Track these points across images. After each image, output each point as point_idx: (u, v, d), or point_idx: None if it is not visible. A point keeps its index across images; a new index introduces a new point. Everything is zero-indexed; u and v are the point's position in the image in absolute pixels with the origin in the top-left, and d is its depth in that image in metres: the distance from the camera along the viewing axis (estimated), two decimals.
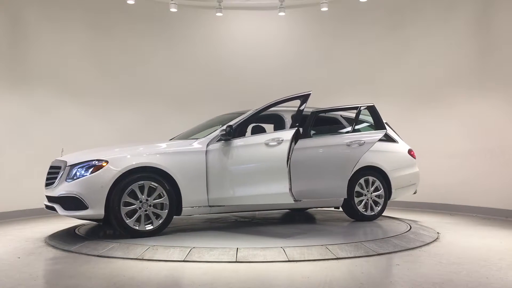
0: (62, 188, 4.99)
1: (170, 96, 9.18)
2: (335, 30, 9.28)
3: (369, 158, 6.34)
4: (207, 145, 5.37)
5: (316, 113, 6.05)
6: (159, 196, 5.11)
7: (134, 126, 8.84)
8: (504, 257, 4.43)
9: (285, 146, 4.98)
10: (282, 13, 9.12)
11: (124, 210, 4.93)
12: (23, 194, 7.43)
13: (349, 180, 5.95)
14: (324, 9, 8.86)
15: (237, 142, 5.30)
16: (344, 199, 6.04)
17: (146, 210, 5.04)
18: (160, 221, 5.10)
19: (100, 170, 4.89)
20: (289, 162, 5.16)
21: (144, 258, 4.28)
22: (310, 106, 6.25)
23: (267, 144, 5.09)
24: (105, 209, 4.88)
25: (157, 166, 5.08)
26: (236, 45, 9.56)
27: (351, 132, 6.08)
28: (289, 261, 4.18)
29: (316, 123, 6.54)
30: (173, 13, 9.01)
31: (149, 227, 5.05)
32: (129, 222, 4.94)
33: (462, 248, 4.85)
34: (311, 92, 5.36)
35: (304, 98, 5.34)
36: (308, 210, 7.61)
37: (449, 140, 7.97)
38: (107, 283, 3.58)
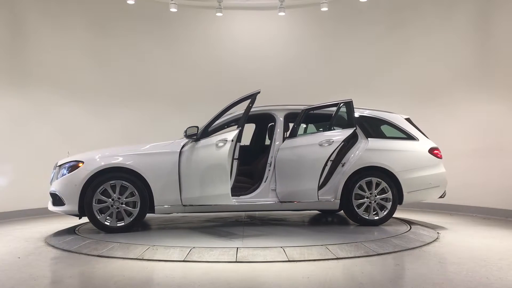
0: (52, 186, 5.55)
1: (170, 96, 9.18)
2: (335, 30, 9.27)
3: (372, 158, 5.92)
4: (183, 146, 5.49)
5: (305, 111, 5.94)
6: (132, 195, 5.38)
7: (134, 126, 8.84)
8: (504, 257, 4.43)
9: (227, 147, 5.11)
10: (282, 13, 9.12)
11: (96, 207, 5.30)
12: (23, 194, 7.43)
13: (348, 181, 5.82)
14: (324, 9, 8.86)
15: (202, 143, 5.42)
16: (344, 202, 5.84)
17: (118, 208, 5.35)
18: (131, 219, 5.37)
19: (76, 170, 5.38)
20: (232, 163, 5.27)
21: (144, 258, 4.28)
22: (303, 104, 6.18)
23: (216, 145, 5.22)
24: (80, 206, 5.31)
25: (128, 167, 5.38)
26: (236, 45, 9.55)
27: (327, 130, 5.84)
28: (289, 261, 4.18)
29: (318, 121, 6.51)
30: (173, 13, 9.01)
31: (120, 223, 5.37)
32: (101, 218, 5.32)
33: (462, 248, 4.85)
34: (259, 91, 5.47)
35: (252, 97, 5.44)
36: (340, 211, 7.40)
37: (449, 139, 7.96)
38: (107, 283, 3.59)
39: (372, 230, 5.57)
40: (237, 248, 4.48)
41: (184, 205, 5.46)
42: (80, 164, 5.39)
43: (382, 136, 6.20)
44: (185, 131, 5.46)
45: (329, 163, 5.61)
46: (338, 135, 5.63)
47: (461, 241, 5.26)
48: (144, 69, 9.08)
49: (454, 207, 7.78)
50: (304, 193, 5.55)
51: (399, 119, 6.35)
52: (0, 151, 7.30)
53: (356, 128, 5.79)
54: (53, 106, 8.02)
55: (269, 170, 5.77)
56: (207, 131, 5.53)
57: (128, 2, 8.54)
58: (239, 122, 5.46)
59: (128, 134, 8.60)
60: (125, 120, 8.81)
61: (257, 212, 7.15)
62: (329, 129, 5.85)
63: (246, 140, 7.08)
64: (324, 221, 6.60)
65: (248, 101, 5.48)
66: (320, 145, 5.55)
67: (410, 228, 5.75)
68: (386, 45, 8.84)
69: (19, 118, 7.58)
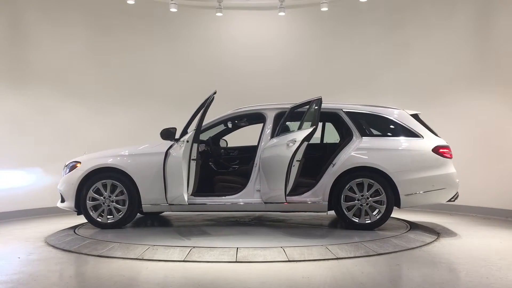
0: (59, 184, 5.95)
1: (170, 96, 9.17)
2: (335, 30, 9.27)
3: (362, 158, 5.56)
4: (170, 147, 5.55)
5: (290, 110, 5.80)
6: (122, 193, 5.67)
7: (134, 125, 8.82)
8: (504, 257, 4.43)
9: (183, 148, 5.31)
10: (282, 13, 9.12)
11: (90, 204, 5.65)
12: (23, 194, 7.43)
13: (338, 182, 5.52)
14: (324, 9, 8.85)
15: (178, 143, 5.52)
16: (334, 204, 5.57)
17: (108, 205, 5.65)
18: (120, 216, 5.65)
19: (74, 170, 5.79)
20: (190, 163, 5.35)
21: (144, 258, 4.28)
22: (290, 102, 6.03)
23: (180, 147, 5.40)
24: (77, 203, 5.68)
25: (116, 167, 5.68)
26: (236, 45, 9.55)
27: (298, 129, 5.50)
28: (289, 261, 4.18)
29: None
30: (173, 13, 9.01)
31: (110, 220, 5.66)
32: (93, 214, 5.66)
33: (462, 248, 4.85)
34: (215, 91, 5.59)
35: (209, 99, 5.57)
36: None
37: (449, 139, 7.91)
38: (107, 283, 3.59)
39: (372, 230, 5.55)
40: (237, 248, 4.48)
41: (170, 204, 5.53)
42: (78, 165, 5.80)
43: (379, 134, 5.89)
44: (161, 133, 5.56)
45: (296, 164, 5.29)
46: (302, 134, 5.27)
47: (461, 241, 5.26)
48: (144, 69, 9.07)
49: (454, 207, 7.77)
50: (274, 194, 5.37)
51: (402, 115, 5.89)
52: (0, 151, 7.30)
53: (316, 127, 5.33)
54: (53, 106, 8.01)
55: (255, 170, 5.69)
56: (186, 133, 5.58)
57: (128, 2, 8.54)
58: (196, 124, 5.47)
59: (128, 134, 8.59)
60: (125, 120, 8.80)
61: (257, 213, 7.14)
62: (300, 128, 5.52)
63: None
64: (324, 221, 6.60)
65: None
66: (287, 145, 5.26)
67: (410, 228, 5.75)
68: (386, 45, 8.83)
69: (20, 119, 7.57)
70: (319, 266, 4.04)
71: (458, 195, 5.73)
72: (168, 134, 5.53)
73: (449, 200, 5.69)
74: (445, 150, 5.70)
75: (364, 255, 4.39)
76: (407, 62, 8.60)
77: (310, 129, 5.22)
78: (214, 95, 5.60)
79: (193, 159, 5.42)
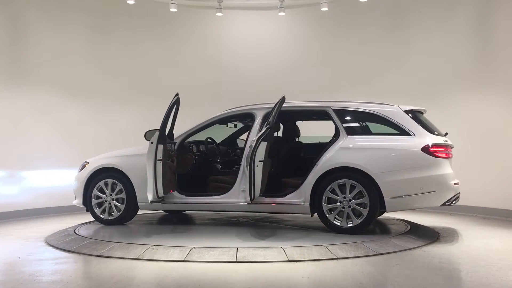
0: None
1: (170, 96, 9.10)
2: (335, 30, 9.27)
3: (343, 158, 5.26)
4: None
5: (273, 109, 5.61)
6: (121, 192, 5.91)
7: (133, 125, 8.80)
8: (504, 257, 4.43)
9: (147, 149, 5.43)
10: (282, 13, 9.12)
11: (94, 201, 5.96)
12: (22, 194, 7.43)
13: (320, 183, 5.29)
14: (324, 9, 8.85)
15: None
16: (316, 206, 5.36)
17: (109, 203, 5.93)
18: (119, 213, 5.91)
19: (83, 169, 6.15)
20: (156, 164, 5.37)
21: (144, 258, 4.29)
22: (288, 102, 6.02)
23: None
24: (84, 200, 6.01)
25: (115, 167, 5.95)
26: (236, 45, 9.55)
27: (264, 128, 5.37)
28: (289, 261, 4.19)
29: (305, 117, 6.45)
30: (173, 13, 9.01)
31: (111, 217, 5.93)
32: (97, 211, 5.96)
33: (462, 248, 4.85)
34: (177, 93, 5.74)
35: (177, 101, 5.71)
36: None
37: (449, 140, 7.96)
38: (107, 283, 3.59)
39: (372, 230, 5.55)
40: (237, 248, 4.48)
41: (162, 203, 5.68)
42: (87, 165, 6.15)
43: (367, 132, 5.63)
44: (145, 135, 5.70)
45: (260, 164, 5.07)
46: (258, 134, 5.27)
47: (461, 241, 5.27)
48: (144, 69, 9.07)
49: (454, 207, 7.73)
50: (245, 194, 5.32)
51: (393, 112, 5.43)
52: (0, 151, 7.29)
53: (269, 127, 5.18)
54: (53, 106, 8.00)
55: (241, 170, 5.61)
56: (172, 134, 5.80)
57: (128, 2, 8.54)
58: (161, 125, 5.49)
59: (128, 133, 8.56)
60: (125, 119, 8.80)
61: (257, 213, 7.14)
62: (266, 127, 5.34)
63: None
64: None
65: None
66: (250, 145, 5.24)
67: (410, 228, 5.74)
68: (386, 45, 8.83)
69: (19, 119, 7.56)
70: (319, 266, 4.05)
71: (457, 198, 5.38)
72: (151, 135, 5.57)
73: (444, 204, 5.21)
74: (438, 149, 5.19)
75: (364, 255, 4.39)
76: (407, 62, 8.60)
77: (263, 129, 5.18)
78: (177, 97, 5.74)
79: (159, 160, 5.41)
